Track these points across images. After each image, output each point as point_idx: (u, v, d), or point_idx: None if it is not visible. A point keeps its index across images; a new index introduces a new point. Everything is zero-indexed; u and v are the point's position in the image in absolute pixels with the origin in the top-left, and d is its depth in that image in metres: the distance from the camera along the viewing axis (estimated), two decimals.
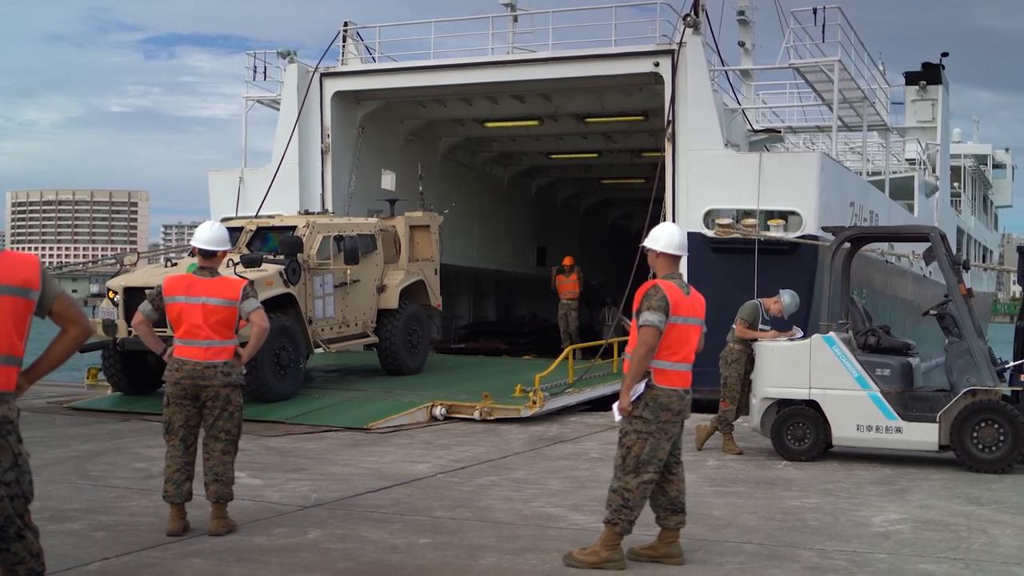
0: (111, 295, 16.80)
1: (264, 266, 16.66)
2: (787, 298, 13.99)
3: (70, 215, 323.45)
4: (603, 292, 30.75)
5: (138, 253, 22.94)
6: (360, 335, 19.24)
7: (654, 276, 7.87)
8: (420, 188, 22.64)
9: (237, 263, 16.26)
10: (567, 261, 26.72)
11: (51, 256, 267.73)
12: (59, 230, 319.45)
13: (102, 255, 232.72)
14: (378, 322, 19.54)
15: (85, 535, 8.43)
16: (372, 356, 22.47)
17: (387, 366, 19.84)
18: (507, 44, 24.84)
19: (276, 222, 19.06)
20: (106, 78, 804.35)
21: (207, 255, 8.83)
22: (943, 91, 35.35)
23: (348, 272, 18.59)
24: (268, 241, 18.07)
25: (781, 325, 14.02)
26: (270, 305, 16.23)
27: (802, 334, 13.67)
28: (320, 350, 18.49)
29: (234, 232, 18.05)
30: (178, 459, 8.59)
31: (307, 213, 20.24)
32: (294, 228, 18.10)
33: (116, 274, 19.63)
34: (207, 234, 8.87)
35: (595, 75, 23.25)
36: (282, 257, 17.11)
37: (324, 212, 20.56)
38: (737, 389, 13.61)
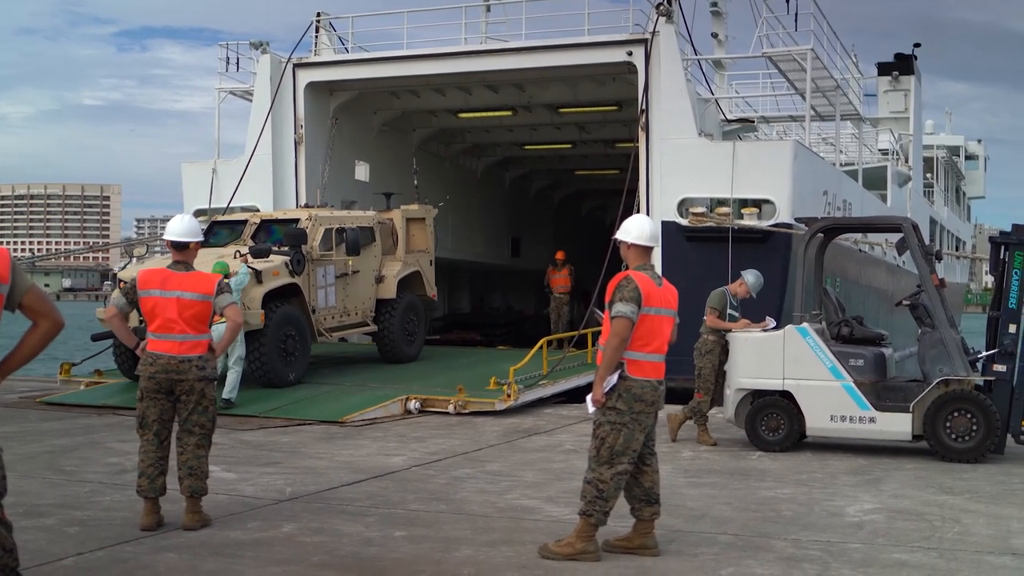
0: (121, 285, 16.94)
1: (271, 257, 17.21)
2: (751, 278, 13.95)
3: (42, 209, 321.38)
4: (579, 284, 30.73)
5: (147, 245, 23.01)
6: (360, 324, 19.73)
7: (626, 267, 7.89)
8: (415, 182, 22.85)
9: (246, 254, 16.80)
10: (559, 255, 26.73)
11: (23, 250, 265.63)
12: (31, 224, 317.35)
13: (74, 248, 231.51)
14: (377, 311, 20.03)
15: (59, 530, 8.37)
16: (347, 348, 22.55)
17: (386, 354, 20.34)
18: (480, 34, 24.82)
19: (279, 215, 19.68)
20: (79, 71, 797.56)
21: (180, 247, 8.77)
22: (915, 82, 35.55)
23: (349, 263, 19.07)
24: (272, 233, 18.60)
25: (752, 307, 14.01)
26: (276, 294, 16.97)
27: (775, 324, 13.69)
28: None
29: (238, 224, 19.06)
30: (152, 454, 8.54)
31: (308, 206, 20.78)
32: (297, 221, 18.66)
33: (125, 265, 19.91)
34: (179, 226, 8.80)
35: (568, 64, 23.23)
36: (287, 248, 17.59)
37: (325, 205, 20.80)
38: (711, 380, 13.60)
